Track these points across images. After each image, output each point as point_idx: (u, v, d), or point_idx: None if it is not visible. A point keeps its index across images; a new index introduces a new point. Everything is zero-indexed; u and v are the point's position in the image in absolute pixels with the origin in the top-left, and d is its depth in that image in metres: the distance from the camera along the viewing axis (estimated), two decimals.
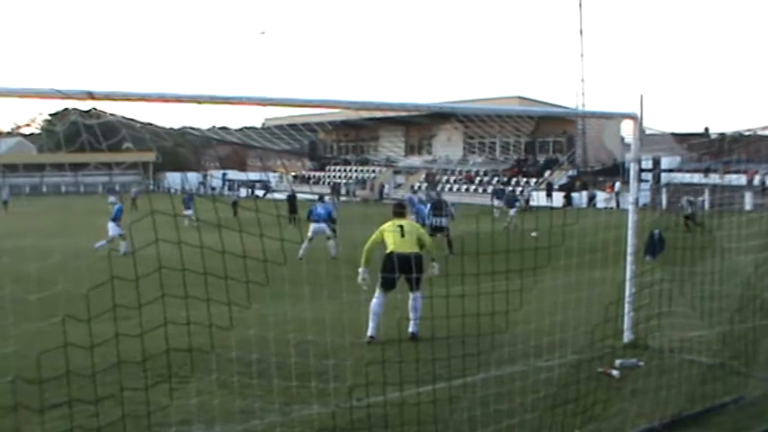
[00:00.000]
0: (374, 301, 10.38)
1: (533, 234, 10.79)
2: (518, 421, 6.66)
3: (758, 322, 8.79)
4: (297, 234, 20.10)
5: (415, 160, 74.18)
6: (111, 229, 22.22)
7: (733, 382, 8.10)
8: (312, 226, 21.20)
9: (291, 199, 33.42)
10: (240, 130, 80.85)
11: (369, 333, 10.23)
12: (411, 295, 10.44)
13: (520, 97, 57.02)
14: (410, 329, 10.26)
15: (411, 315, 10.29)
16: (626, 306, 9.73)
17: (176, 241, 5.41)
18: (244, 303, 6.13)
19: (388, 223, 10.87)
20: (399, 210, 11.57)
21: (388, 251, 10.48)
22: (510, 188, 50.89)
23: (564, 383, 7.08)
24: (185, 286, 5.44)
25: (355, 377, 7.53)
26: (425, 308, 9.81)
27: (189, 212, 28.06)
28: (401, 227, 10.73)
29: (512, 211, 30.16)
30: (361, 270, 10.74)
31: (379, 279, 10.41)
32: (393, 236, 10.58)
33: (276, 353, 8.08)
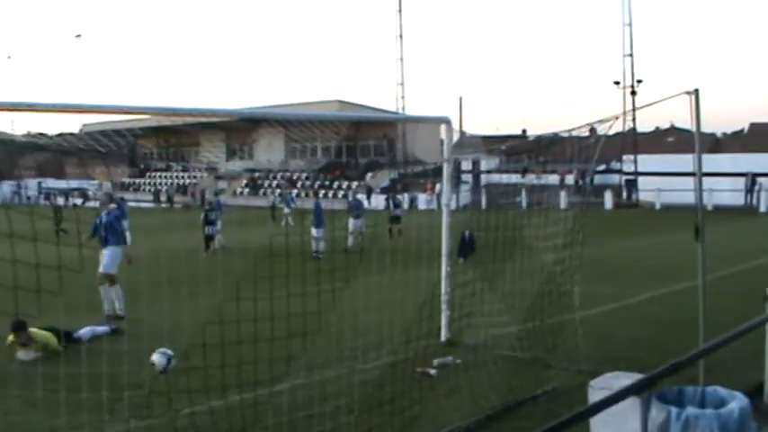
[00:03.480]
0: None
1: None
2: (332, 426, 6.56)
3: (561, 317, 9.13)
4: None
5: (236, 165, 73.03)
6: None
7: (542, 373, 8.37)
8: None
9: None
10: (59, 135, 76.18)
11: None
12: None
13: (340, 101, 57.28)
14: None
15: None
16: (442, 305, 9.84)
17: None
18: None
19: None
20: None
21: None
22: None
23: (380, 384, 6.98)
24: None
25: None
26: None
27: None
28: None
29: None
30: None
31: None
32: None
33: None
